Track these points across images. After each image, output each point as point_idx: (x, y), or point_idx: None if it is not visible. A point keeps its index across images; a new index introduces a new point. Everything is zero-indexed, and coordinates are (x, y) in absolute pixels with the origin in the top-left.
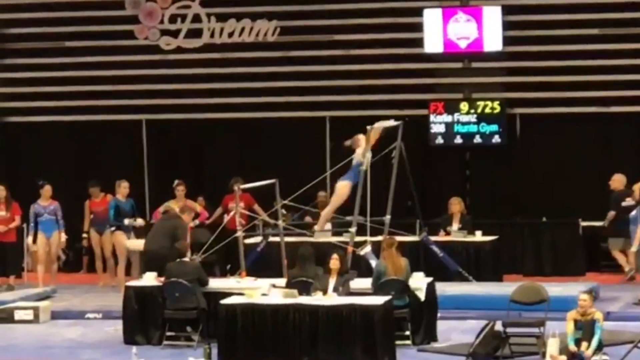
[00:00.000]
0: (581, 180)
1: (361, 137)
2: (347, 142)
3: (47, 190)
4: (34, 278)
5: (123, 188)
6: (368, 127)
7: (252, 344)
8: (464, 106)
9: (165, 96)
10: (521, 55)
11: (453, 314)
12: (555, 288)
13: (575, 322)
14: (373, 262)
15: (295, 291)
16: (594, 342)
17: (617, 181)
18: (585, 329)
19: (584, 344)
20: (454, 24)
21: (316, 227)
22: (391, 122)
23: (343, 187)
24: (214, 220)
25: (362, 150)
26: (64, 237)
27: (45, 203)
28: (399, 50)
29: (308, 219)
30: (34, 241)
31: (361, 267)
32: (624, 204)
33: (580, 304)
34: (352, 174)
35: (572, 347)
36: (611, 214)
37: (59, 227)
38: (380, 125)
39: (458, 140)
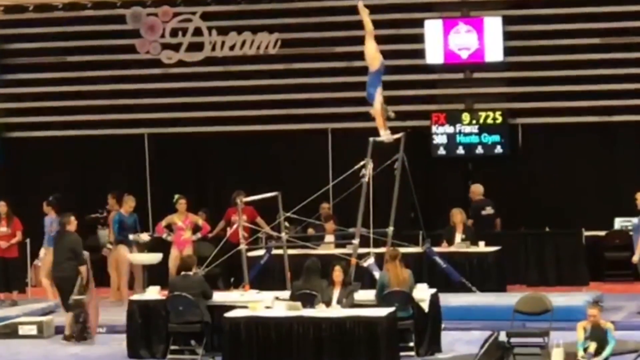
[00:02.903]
0: (584, 190)
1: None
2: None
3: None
4: (37, 293)
5: (128, 205)
6: (370, 139)
7: (256, 357)
8: (466, 117)
9: (167, 110)
10: (522, 66)
11: (457, 325)
12: (559, 298)
13: (584, 330)
14: (376, 274)
15: (298, 304)
16: (607, 350)
17: (475, 192)
18: (594, 333)
19: (592, 344)
20: (454, 34)
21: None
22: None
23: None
24: (217, 233)
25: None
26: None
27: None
28: (400, 61)
29: (311, 231)
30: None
31: (365, 279)
32: (483, 212)
33: (591, 320)
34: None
35: (581, 353)
36: (469, 222)
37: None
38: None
39: (460, 151)
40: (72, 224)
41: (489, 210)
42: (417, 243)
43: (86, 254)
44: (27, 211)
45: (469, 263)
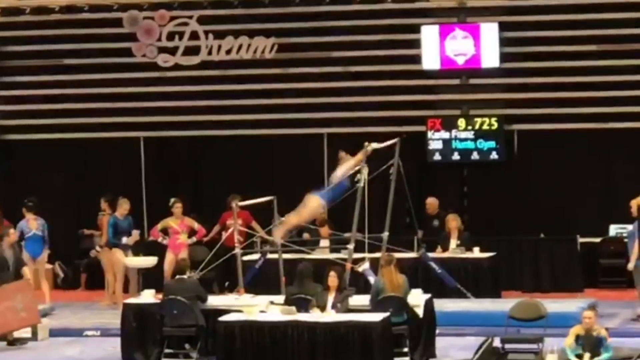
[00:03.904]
0: (579, 196)
1: (343, 156)
2: (341, 154)
3: None
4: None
5: (123, 208)
6: (366, 144)
7: None
8: (462, 122)
9: (163, 113)
10: (518, 72)
11: (451, 331)
12: (553, 304)
13: (577, 337)
14: (371, 279)
15: (293, 308)
16: (604, 357)
17: (433, 205)
18: (587, 343)
19: (586, 355)
20: (451, 40)
21: (275, 233)
22: (386, 143)
23: (313, 201)
24: (212, 237)
25: (340, 171)
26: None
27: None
28: (396, 66)
29: (306, 235)
30: None
31: (359, 284)
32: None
33: (585, 322)
34: (325, 192)
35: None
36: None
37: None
38: (373, 147)
39: (456, 156)
40: (7, 238)
41: (436, 223)
42: (412, 248)
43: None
44: (22, 214)
45: (464, 269)
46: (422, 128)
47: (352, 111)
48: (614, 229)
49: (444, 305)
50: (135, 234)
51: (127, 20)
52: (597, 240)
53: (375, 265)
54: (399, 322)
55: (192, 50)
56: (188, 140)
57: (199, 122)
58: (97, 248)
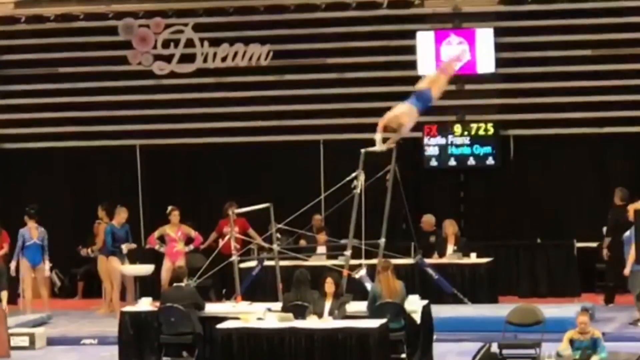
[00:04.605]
0: (576, 201)
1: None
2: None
3: None
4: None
5: (121, 217)
6: (362, 151)
7: None
8: (458, 128)
9: (159, 121)
10: (514, 77)
11: (449, 337)
12: (550, 309)
13: (572, 342)
14: (368, 285)
15: (290, 315)
16: (601, 355)
17: (428, 223)
18: (583, 345)
19: None
20: (446, 46)
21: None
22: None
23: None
24: (209, 244)
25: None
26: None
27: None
28: (392, 73)
29: (303, 242)
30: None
31: (356, 291)
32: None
33: (580, 326)
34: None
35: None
36: None
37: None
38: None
39: (452, 162)
40: None
41: (432, 240)
42: (409, 254)
43: None
44: (21, 223)
45: (461, 274)
46: (418, 134)
47: (348, 117)
48: None
49: (441, 311)
50: (129, 245)
51: (122, 28)
52: (594, 244)
53: (372, 271)
54: (397, 328)
55: (187, 58)
56: (184, 147)
57: (195, 130)
58: (89, 250)
